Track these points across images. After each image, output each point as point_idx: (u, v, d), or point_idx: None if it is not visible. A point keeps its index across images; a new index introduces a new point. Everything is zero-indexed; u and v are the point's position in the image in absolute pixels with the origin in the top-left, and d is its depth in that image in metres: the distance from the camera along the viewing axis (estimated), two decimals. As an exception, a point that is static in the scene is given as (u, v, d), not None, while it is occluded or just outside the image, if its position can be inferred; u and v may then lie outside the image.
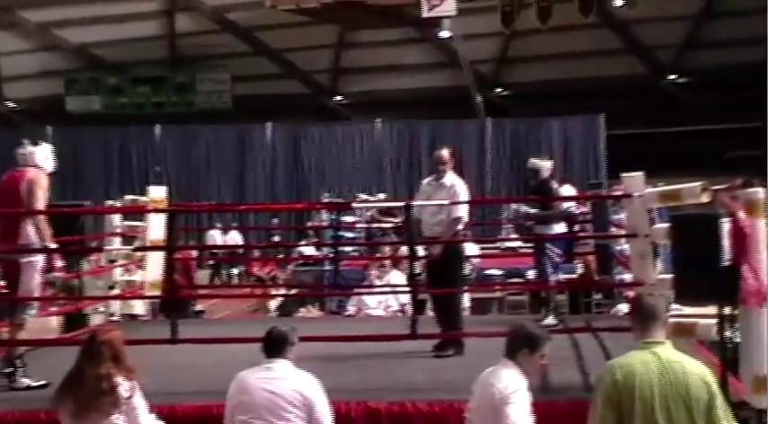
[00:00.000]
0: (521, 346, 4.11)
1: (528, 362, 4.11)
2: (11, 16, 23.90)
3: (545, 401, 4.91)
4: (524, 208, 8.50)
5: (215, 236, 19.05)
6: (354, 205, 13.48)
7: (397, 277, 10.20)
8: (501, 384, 3.99)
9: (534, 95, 23.99)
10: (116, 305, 9.55)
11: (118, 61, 25.76)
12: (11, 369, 5.99)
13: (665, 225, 6.08)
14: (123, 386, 4.46)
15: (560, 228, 8.57)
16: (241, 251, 17.99)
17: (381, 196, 19.54)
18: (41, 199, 6.11)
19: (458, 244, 7.19)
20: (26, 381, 5.93)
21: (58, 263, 6.17)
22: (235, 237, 18.74)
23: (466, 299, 10.51)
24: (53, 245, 6.15)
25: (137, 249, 9.33)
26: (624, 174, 6.71)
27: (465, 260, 8.47)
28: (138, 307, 10.41)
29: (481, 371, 4.27)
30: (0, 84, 26.05)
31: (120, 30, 24.12)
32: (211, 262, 18.62)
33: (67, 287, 8.82)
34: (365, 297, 10.20)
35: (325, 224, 15.27)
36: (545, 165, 8.73)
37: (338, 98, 26.49)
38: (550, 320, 7.99)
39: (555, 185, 8.89)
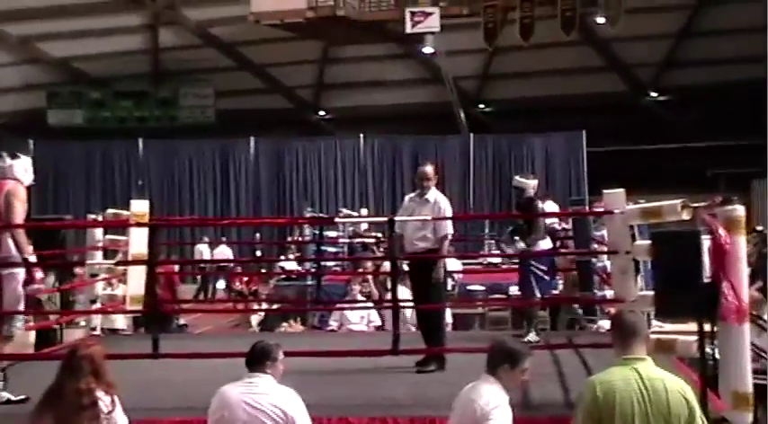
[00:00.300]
0: (501, 361, 4.12)
1: (509, 377, 4.12)
2: (-7, 30, 23.84)
3: (526, 417, 4.93)
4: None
5: (203, 250, 18.97)
6: (337, 220, 13.49)
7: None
8: (482, 400, 4.00)
9: (516, 112, 24.13)
10: (97, 320, 9.48)
11: (100, 75, 25.69)
12: None
13: (646, 241, 6.13)
14: (104, 401, 4.43)
15: (546, 244, 8.60)
16: (229, 265, 17.92)
17: (364, 211, 19.57)
18: (20, 212, 6.08)
19: (443, 260, 7.21)
20: (6, 395, 5.88)
21: (38, 275, 6.13)
22: (224, 251, 18.67)
23: (448, 315, 10.55)
24: (32, 257, 6.11)
25: (118, 263, 9.28)
26: (606, 191, 6.75)
27: (447, 275, 8.48)
28: (120, 321, 10.36)
29: (462, 387, 4.28)
30: (-19, 97, 25.90)
31: (102, 44, 24.07)
32: (198, 277, 18.57)
33: (35, 301, 8.76)
34: (347, 312, 10.19)
35: (307, 238, 15.27)
36: (530, 184, 8.78)
37: (321, 113, 26.54)
38: (532, 336, 8.02)
39: (540, 204, 8.94)
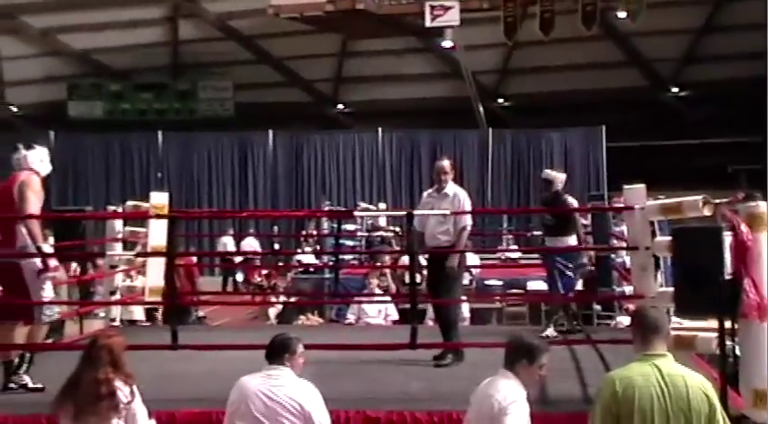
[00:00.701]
0: (519, 357, 4.10)
1: (527, 373, 4.10)
2: (14, 21, 23.96)
3: (544, 412, 4.91)
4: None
5: (227, 243, 18.96)
6: (355, 213, 13.50)
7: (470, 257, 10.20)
8: (500, 395, 3.99)
9: (535, 107, 24.04)
10: (117, 311, 9.55)
11: (120, 67, 25.80)
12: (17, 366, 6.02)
13: (667, 237, 6.09)
14: (122, 391, 4.46)
15: (572, 241, 8.47)
16: (245, 259, 17.91)
17: (382, 205, 19.57)
18: (33, 202, 6.10)
19: (462, 254, 7.21)
20: (27, 379, 5.97)
21: (53, 263, 6.17)
22: (251, 243, 18.66)
23: (466, 309, 10.55)
24: (46, 247, 6.14)
25: (138, 255, 9.35)
26: (626, 186, 6.71)
27: (465, 270, 8.47)
28: (139, 313, 10.43)
29: (479, 382, 4.27)
30: (3, 89, 26.08)
31: (123, 37, 24.17)
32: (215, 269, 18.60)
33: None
34: (365, 306, 10.20)
35: (325, 232, 15.29)
36: (560, 177, 8.70)
37: (340, 107, 26.53)
38: (550, 331, 7.99)
39: (569, 198, 8.83)
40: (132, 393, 4.50)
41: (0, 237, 6.29)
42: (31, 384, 5.94)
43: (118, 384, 4.46)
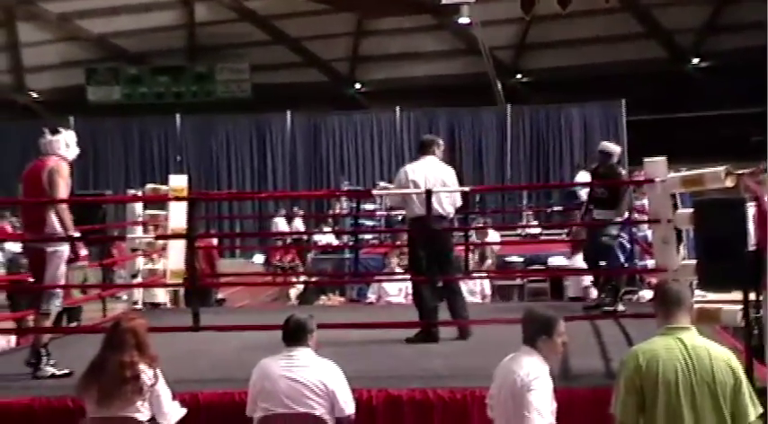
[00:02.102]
0: (538, 332, 4.09)
1: (548, 347, 4.09)
2: (32, 7, 24.04)
3: (566, 387, 4.89)
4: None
5: (278, 223, 18.89)
6: (374, 192, 13.48)
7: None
8: (522, 371, 3.98)
9: (554, 82, 23.83)
10: (139, 294, 9.61)
11: (137, 51, 25.84)
12: (35, 359, 6.03)
13: (689, 210, 6.02)
14: (146, 374, 4.49)
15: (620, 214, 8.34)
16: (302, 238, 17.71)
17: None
18: (63, 188, 6.07)
19: None
20: (50, 370, 5.97)
21: (83, 252, 6.14)
22: (298, 225, 18.61)
23: (487, 286, 10.54)
24: (76, 234, 6.14)
25: (158, 237, 9.39)
26: (646, 159, 6.63)
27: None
28: (161, 296, 10.49)
29: (500, 358, 4.25)
30: (22, 75, 26.21)
31: (140, 20, 24.20)
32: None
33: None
34: (385, 285, 10.21)
35: (345, 212, 15.30)
36: (617, 150, 8.59)
37: (357, 86, 26.45)
38: (620, 306, 7.93)
39: (624, 171, 8.65)
40: (156, 375, 4.53)
41: (28, 223, 6.31)
42: (58, 372, 5.95)
43: (142, 367, 4.49)
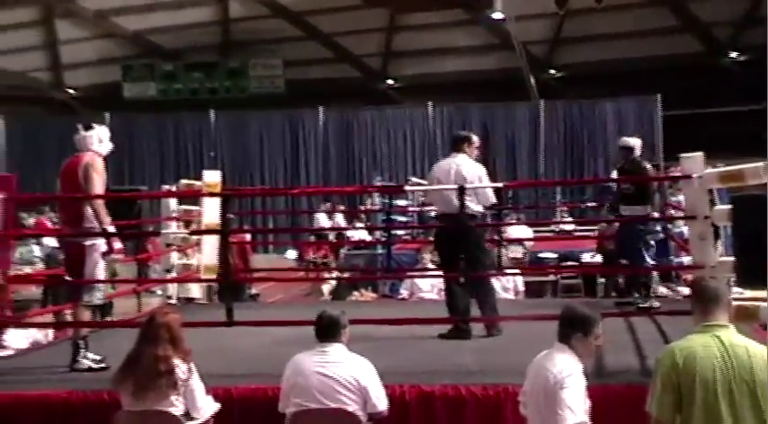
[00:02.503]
0: (574, 329, 4.06)
1: (582, 345, 4.05)
2: (70, 5, 24.33)
3: (601, 385, 4.85)
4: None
5: (320, 218, 18.85)
6: (406, 188, 13.46)
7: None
8: (555, 369, 3.95)
9: (589, 76, 23.62)
10: (173, 289, 9.69)
11: (172, 48, 26.05)
12: (73, 352, 6.12)
13: (727, 206, 5.94)
14: (180, 368, 4.52)
15: (648, 210, 8.16)
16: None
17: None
18: (98, 183, 6.15)
19: None
20: (87, 362, 6.05)
21: (117, 245, 6.22)
22: (339, 221, 18.60)
23: (520, 282, 10.49)
24: (112, 228, 6.21)
25: (192, 233, 9.46)
26: (683, 155, 6.55)
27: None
28: (195, 291, 10.57)
29: (532, 354, 4.23)
30: (60, 72, 26.55)
31: (174, 17, 24.39)
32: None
33: (112, 271, 8.96)
34: (418, 280, 10.19)
35: (377, 207, 15.29)
36: (638, 143, 8.50)
37: (389, 82, 26.43)
38: (654, 302, 7.87)
39: (648, 165, 8.58)
40: (190, 369, 4.56)
41: (66, 218, 6.41)
42: (95, 365, 6.03)
43: (176, 361, 4.52)
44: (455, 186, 6.72)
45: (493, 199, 7.10)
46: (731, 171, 6.10)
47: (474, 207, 6.85)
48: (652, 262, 8.16)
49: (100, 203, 6.13)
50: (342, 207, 19.44)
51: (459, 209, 6.63)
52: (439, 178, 6.98)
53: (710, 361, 3.55)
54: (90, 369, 5.99)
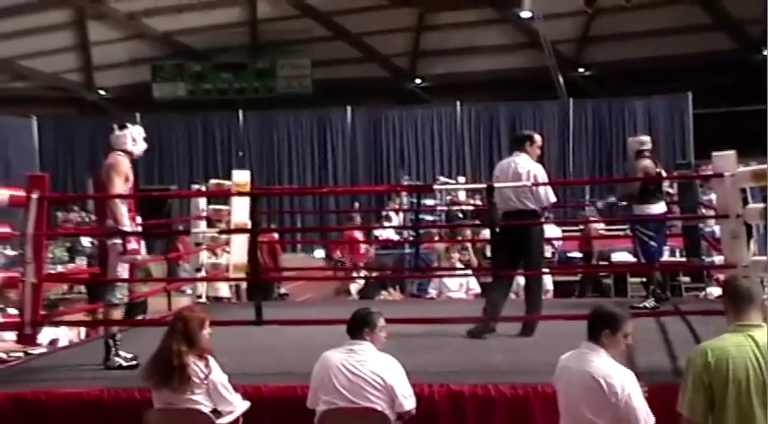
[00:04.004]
0: (602, 327, 4.03)
1: (611, 343, 4.02)
2: (102, 7, 24.57)
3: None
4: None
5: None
6: (435, 187, 13.45)
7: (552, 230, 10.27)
8: (601, 375, 3.89)
9: (618, 75, 23.42)
10: (203, 288, 9.75)
11: (201, 48, 26.22)
12: (106, 350, 6.19)
13: (760, 205, 5.87)
14: (198, 366, 4.52)
15: (660, 208, 8.24)
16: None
17: (461, 179, 19.44)
18: (118, 184, 6.18)
19: None
20: (119, 360, 6.11)
21: (131, 246, 6.20)
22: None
23: (549, 282, 10.44)
24: (128, 228, 6.23)
25: (222, 232, 9.51)
26: (714, 153, 6.48)
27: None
28: (224, 290, 10.64)
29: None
30: (91, 73, 26.82)
31: (204, 18, 24.53)
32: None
33: (145, 270, 9.03)
34: (446, 280, 10.18)
35: (405, 207, 15.28)
36: (634, 140, 8.48)
37: (417, 81, 26.39)
38: (650, 302, 7.83)
39: (644, 163, 8.57)
40: (208, 366, 4.56)
41: (97, 217, 6.49)
42: (125, 363, 6.10)
43: (191, 358, 4.52)
44: (510, 184, 6.85)
45: (551, 199, 7.12)
46: (764, 169, 6.03)
47: (531, 206, 6.92)
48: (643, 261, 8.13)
49: (116, 203, 6.16)
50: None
51: (520, 207, 6.80)
52: (498, 176, 7.09)
53: (744, 361, 3.51)
54: (120, 367, 6.05)
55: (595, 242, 11.14)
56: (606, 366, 3.94)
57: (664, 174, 8.96)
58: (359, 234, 13.92)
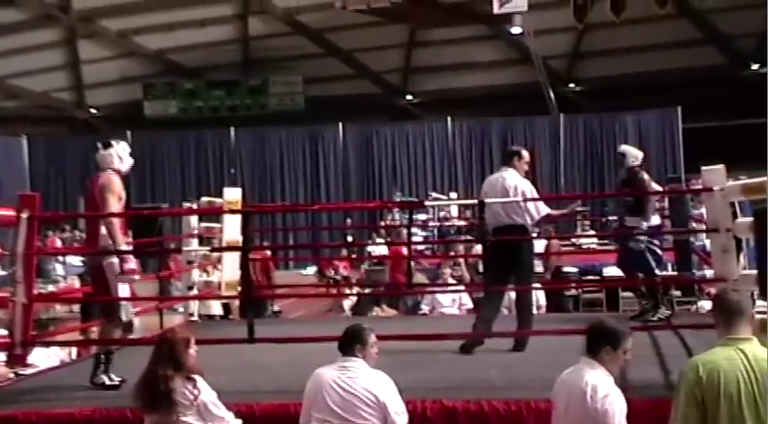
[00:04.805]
0: (603, 343, 4.01)
1: (611, 360, 4.00)
2: (93, 25, 24.63)
3: (625, 398, 4.80)
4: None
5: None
6: (426, 203, 13.45)
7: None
8: (589, 388, 3.88)
9: (609, 90, 23.56)
10: (194, 306, 9.72)
11: (193, 66, 26.28)
12: (94, 366, 6.16)
13: (749, 218, 5.89)
14: (187, 388, 4.48)
15: (655, 220, 8.27)
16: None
17: (453, 194, 19.48)
18: (113, 204, 6.14)
19: None
20: (104, 378, 6.08)
21: (130, 266, 6.15)
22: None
23: (542, 297, 10.43)
24: (125, 247, 6.20)
25: (213, 249, 9.50)
26: (704, 168, 6.51)
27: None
28: (216, 307, 10.61)
29: (555, 368, 4.19)
30: (82, 92, 26.84)
31: (195, 36, 24.62)
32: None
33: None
34: (438, 296, 10.17)
35: (397, 223, 15.28)
36: (633, 151, 8.49)
37: (409, 97, 26.50)
38: (663, 311, 7.86)
39: (646, 176, 8.59)
40: (196, 387, 4.52)
41: (86, 237, 6.46)
42: (108, 382, 6.05)
43: (178, 381, 4.48)
44: (500, 200, 6.88)
45: (542, 212, 7.13)
46: (754, 183, 6.05)
47: (521, 221, 6.94)
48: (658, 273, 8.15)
49: (114, 223, 6.12)
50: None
51: (509, 223, 6.82)
52: (487, 192, 7.10)
53: (735, 374, 3.51)
54: (104, 385, 6.02)
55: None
56: (597, 379, 3.94)
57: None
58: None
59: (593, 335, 4.07)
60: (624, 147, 8.63)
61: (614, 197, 8.67)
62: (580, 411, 3.92)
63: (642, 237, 7.94)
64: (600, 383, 3.92)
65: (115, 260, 6.15)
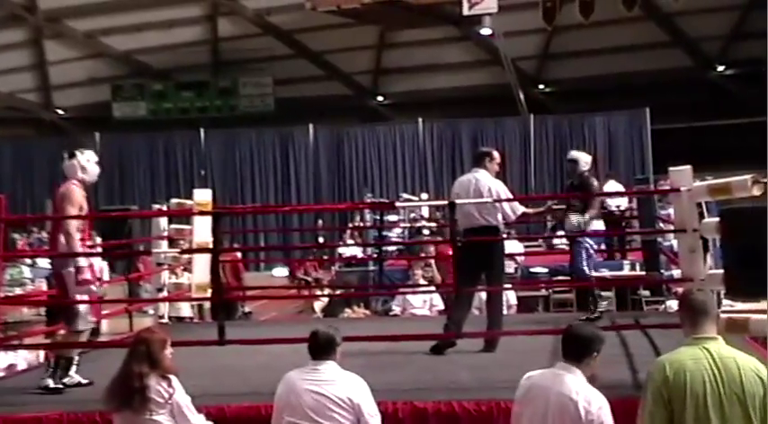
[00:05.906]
0: (589, 350, 3.97)
1: (593, 366, 4.00)
2: (59, 26, 24.35)
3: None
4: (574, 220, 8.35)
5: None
6: (397, 204, 13.48)
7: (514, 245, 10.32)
8: (580, 398, 3.86)
9: (578, 91, 23.74)
10: (164, 308, 9.65)
11: (162, 67, 26.08)
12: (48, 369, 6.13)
13: (715, 219, 5.97)
14: (161, 386, 4.48)
15: (599, 224, 8.46)
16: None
17: (424, 195, 19.52)
18: (70, 214, 6.13)
19: None
20: (78, 377, 6.09)
21: (85, 276, 6.11)
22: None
23: (513, 297, 10.50)
24: (82, 261, 6.17)
25: (183, 251, 9.44)
26: (671, 168, 6.59)
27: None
28: (186, 309, 10.54)
29: (525, 369, 4.19)
30: (49, 93, 26.53)
31: (164, 37, 24.42)
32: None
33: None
34: (409, 297, 10.19)
35: (368, 224, 15.30)
36: (584, 157, 8.64)
37: (380, 98, 26.50)
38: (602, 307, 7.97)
39: (595, 181, 8.75)
40: (171, 386, 4.51)
41: (50, 244, 6.44)
42: (84, 381, 6.07)
43: (153, 379, 4.48)
44: (474, 200, 6.90)
45: (518, 212, 7.20)
46: (719, 183, 6.13)
47: (494, 222, 6.99)
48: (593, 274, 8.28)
49: (72, 235, 6.09)
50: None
51: (483, 223, 6.86)
52: (458, 193, 7.09)
53: (701, 374, 3.56)
54: (47, 388, 5.99)
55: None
56: (586, 390, 3.91)
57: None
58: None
59: (576, 342, 4.01)
60: (575, 153, 8.75)
61: (564, 199, 8.80)
62: (564, 419, 3.87)
63: (590, 241, 8.10)
64: (591, 394, 3.89)
65: (73, 269, 6.12)
